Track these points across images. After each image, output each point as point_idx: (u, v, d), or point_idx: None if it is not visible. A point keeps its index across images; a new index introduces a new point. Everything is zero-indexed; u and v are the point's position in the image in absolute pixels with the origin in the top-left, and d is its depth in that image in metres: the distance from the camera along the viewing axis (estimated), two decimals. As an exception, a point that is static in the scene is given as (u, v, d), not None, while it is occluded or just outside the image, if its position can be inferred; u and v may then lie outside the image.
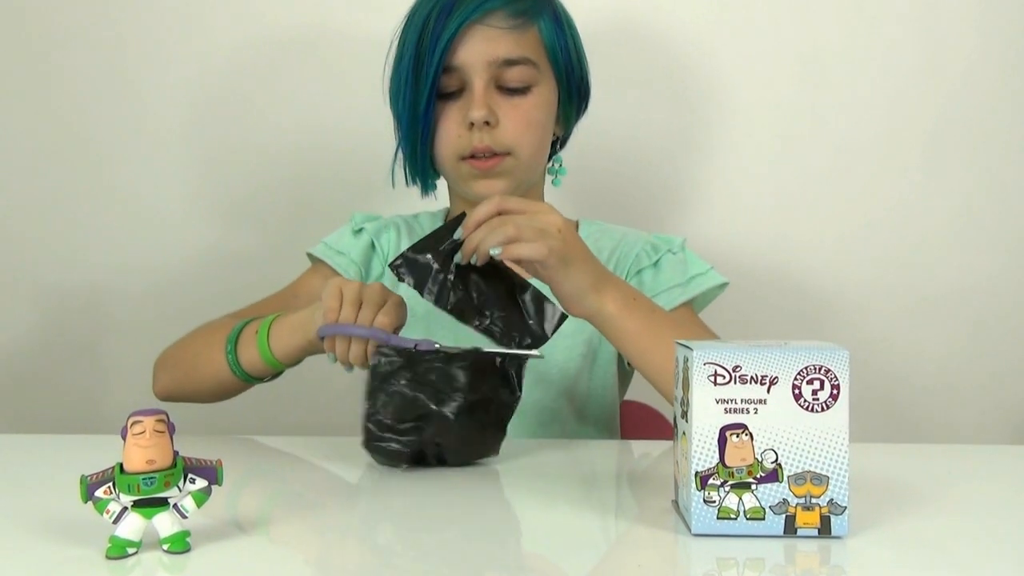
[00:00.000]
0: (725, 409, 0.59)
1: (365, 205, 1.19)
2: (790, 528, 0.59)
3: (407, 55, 1.00)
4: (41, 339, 1.45)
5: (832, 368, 0.59)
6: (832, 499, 0.59)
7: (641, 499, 0.71)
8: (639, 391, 1.11)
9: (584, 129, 1.12)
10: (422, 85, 0.99)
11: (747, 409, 0.59)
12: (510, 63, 0.99)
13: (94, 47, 1.42)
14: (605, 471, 0.81)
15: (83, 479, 0.55)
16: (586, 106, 1.10)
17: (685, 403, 0.62)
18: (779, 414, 0.59)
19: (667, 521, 0.64)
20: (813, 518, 0.59)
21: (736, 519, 0.59)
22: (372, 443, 0.77)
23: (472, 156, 1.00)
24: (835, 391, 0.59)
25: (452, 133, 1.00)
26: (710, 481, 0.59)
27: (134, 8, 1.42)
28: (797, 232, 1.41)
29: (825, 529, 0.59)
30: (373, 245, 1.12)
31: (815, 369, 0.59)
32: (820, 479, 0.59)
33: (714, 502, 0.60)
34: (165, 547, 0.56)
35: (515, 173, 1.02)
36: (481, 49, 0.98)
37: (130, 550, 0.55)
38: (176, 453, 0.56)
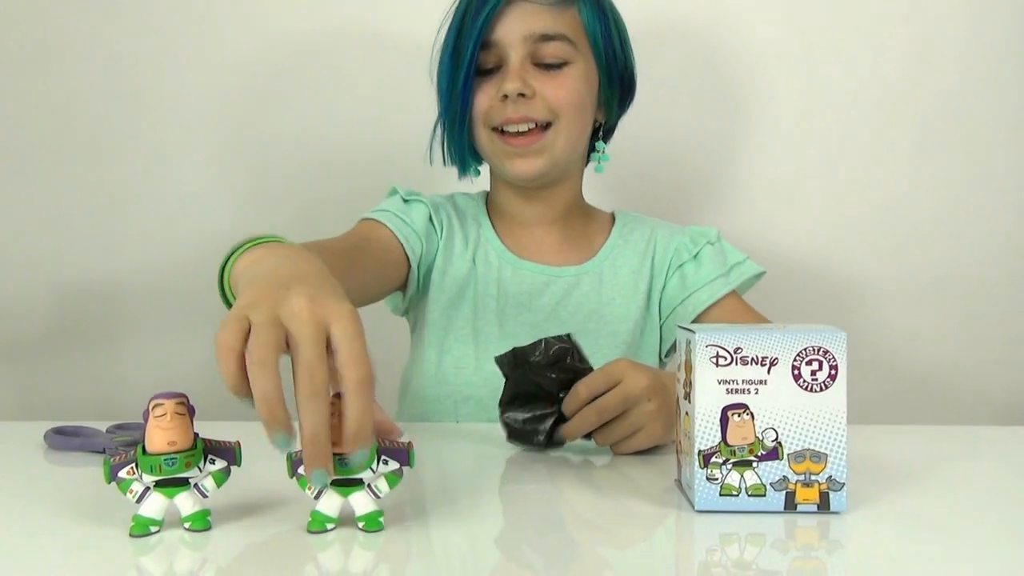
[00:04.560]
0: (727, 389, 0.61)
1: (377, 199, 1.13)
2: (790, 504, 0.61)
3: (451, 34, 1.02)
4: (60, 330, 1.47)
5: (830, 349, 0.61)
6: (831, 476, 0.61)
7: (644, 478, 0.73)
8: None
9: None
10: (461, 60, 1.00)
11: (748, 389, 0.61)
12: (547, 38, 0.99)
13: (106, 49, 1.43)
14: (607, 450, 0.83)
15: (106, 460, 0.57)
16: (631, 99, 1.10)
17: (688, 384, 0.63)
18: (779, 394, 0.61)
19: (671, 499, 0.66)
20: (812, 494, 0.61)
21: (738, 496, 0.61)
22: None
23: (504, 131, 1.01)
24: (833, 371, 0.61)
25: (485, 104, 1.01)
26: (712, 459, 0.61)
27: (142, 9, 1.43)
28: (792, 222, 1.42)
29: (824, 505, 0.61)
30: (431, 219, 1.08)
31: (814, 350, 0.61)
32: (819, 457, 0.61)
33: (716, 479, 0.61)
34: (186, 525, 0.58)
35: (553, 151, 1.01)
36: (518, 24, 0.99)
37: (153, 528, 0.57)
38: (196, 435, 0.58)
